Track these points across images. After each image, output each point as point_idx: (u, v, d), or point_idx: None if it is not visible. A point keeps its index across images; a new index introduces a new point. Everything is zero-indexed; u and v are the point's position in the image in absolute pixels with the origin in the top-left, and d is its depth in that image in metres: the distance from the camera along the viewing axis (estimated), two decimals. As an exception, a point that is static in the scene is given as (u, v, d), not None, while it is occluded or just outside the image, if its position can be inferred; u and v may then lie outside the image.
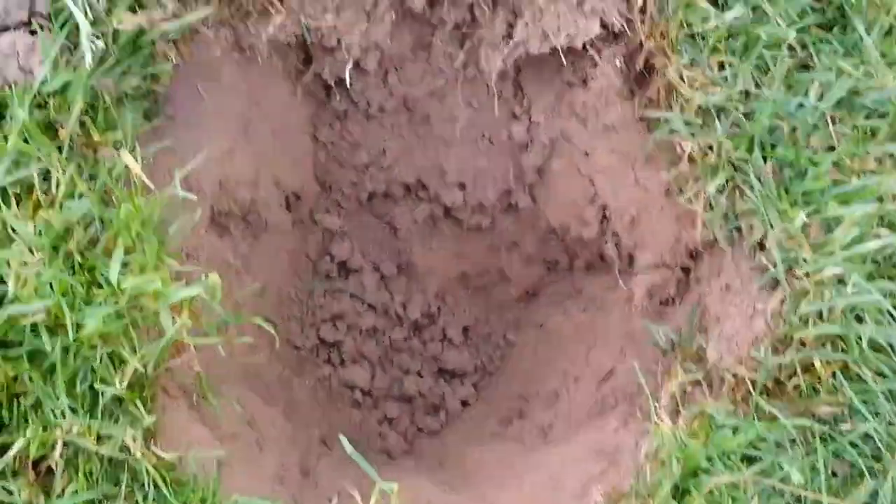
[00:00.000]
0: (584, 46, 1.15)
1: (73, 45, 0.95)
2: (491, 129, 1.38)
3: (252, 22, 1.13)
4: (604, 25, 1.14)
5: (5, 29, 0.94)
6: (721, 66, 1.11)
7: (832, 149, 1.09)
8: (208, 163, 1.11)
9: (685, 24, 1.11)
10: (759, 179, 1.08)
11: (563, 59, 1.18)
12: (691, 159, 1.13)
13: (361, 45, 1.21)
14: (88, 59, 0.87)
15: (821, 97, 1.10)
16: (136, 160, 0.94)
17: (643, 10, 1.14)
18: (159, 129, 1.05)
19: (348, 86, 1.25)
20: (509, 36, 1.19)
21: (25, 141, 0.90)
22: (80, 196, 0.92)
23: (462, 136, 1.40)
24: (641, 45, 1.16)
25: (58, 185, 0.91)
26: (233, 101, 1.21)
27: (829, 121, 1.11)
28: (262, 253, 1.38)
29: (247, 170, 1.28)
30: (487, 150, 1.41)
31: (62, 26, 0.95)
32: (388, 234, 1.56)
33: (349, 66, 1.23)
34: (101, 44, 0.94)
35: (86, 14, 0.91)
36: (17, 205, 0.90)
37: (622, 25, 1.13)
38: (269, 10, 1.14)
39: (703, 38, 1.11)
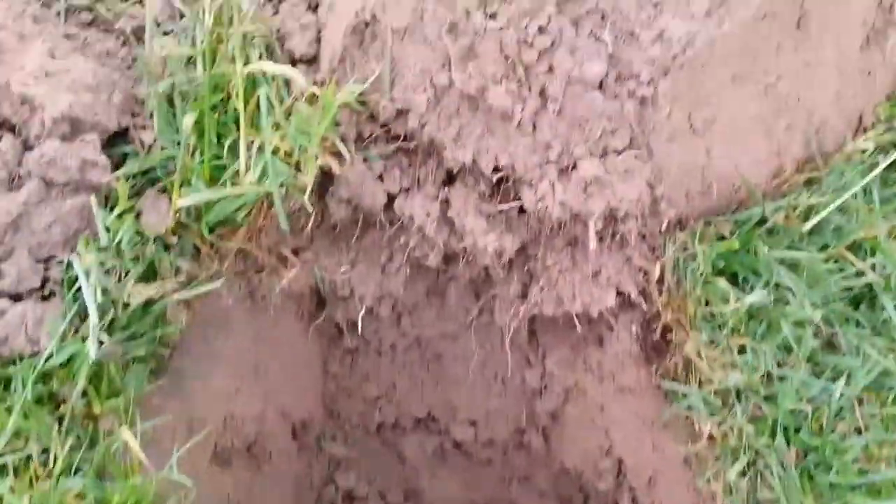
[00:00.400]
0: (599, 313, 1.13)
1: (83, 313, 0.95)
2: (504, 372, 1.36)
3: (266, 274, 1.14)
4: (619, 293, 1.12)
5: (18, 297, 0.94)
6: (742, 350, 1.07)
7: (859, 431, 1.04)
8: (214, 401, 1.10)
9: (704, 302, 1.09)
10: (783, 466, 1.03)
11: (578, 323, 1.15)
12: (710, 437, 1.09)
13: (375, 294, 1.21)
14: (93, 352, 0.87)
15: (847, 380, 1.05)
16: (136, 436, 0.92)
17: (661, 282, 1.12)
18: (164, 385, 1.04)
19: (360, 330, 1.24)
20: (524, 296, 1.18)
21: (26, 416, 0.89)
22: (77, 471, 0.90)
23: (474, 376, 1.37)
24: (659, 314, 1.13)
25: (55, 460, 0.90)
26: (242, 344, 1.21)
27: (856, 403, 1.06)
28: (265, 482, 1.33)
29: (254, 406, 1.26)
30: (500, 391, 1.38)
31: (74, 296, 0.95)
32: (395, 462, 1.51)
33: (362, 312, 1.22)
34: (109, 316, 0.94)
35: (96, 292, 0.91)
36: (15, 476, 0.89)
37: (639, 296, 1.11)
38: (284, 263, 1.15)
39: (723, 318, 1.08)
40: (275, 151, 1.00)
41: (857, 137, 1.22)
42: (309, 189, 1.02)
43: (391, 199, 1.12)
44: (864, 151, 1.21)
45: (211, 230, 1.04)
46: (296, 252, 1.16)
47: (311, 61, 1.10)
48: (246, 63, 1.03)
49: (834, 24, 1.03)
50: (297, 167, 1.04)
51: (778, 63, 1.01)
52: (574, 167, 1.01)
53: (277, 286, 1.14)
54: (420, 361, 1.38)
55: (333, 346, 1.35)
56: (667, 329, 1.15)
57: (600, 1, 0.94)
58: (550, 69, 0.95)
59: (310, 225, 1.14)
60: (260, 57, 1.06)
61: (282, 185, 1.02)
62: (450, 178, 1.10)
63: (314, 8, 1.14)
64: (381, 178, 1.10)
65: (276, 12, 1.15)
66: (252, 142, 1.02)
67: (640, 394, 1.20)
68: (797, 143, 1.13)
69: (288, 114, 1.03)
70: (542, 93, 0.96)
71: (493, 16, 0.93)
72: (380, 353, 1.36)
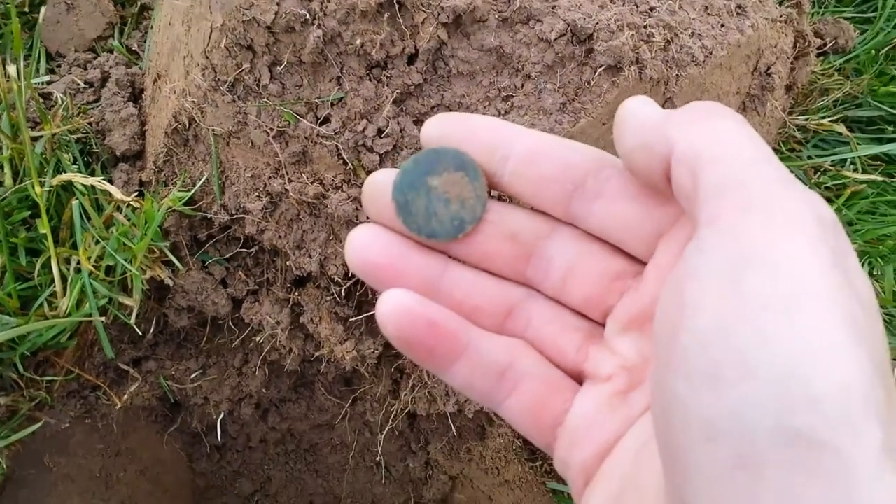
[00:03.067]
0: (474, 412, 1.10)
1: None
2: (386, 458, 1.31)
3: (103, 392, 1.07)
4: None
5: None
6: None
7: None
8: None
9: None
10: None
11: (452, 423, 1.12)
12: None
13: (232, 397, 1.15)
14: None
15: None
16: None
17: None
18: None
19: (218, 436, 1.18)
20: (395, 394, 1.14)
21: None
22: None
23: (355, 463, 1.33)
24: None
25: None
26: (86, 461, 1.14)
27: None
28: None
29: (108, 520, 1.19)
30: (384, 477, 1.34)
31: None
32: (280, 552, 1.46)
33: (220, 418, 1.16)
34: None
35: None
36: None
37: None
38: (124, 377, 1.08)
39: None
40: (95, 269, 0.93)
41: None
42: (135, 312, 0.95)
43: (238, 302, 1.06)
44: (749, 213, 1.19)
45: (33, 354, 0.96)
46: (137, 362, 1.09)
47: (137, 157, 1.02)
48: (57, 171, 0.95)
49: (704, 100, 1.00)
50: (124, 284, 0.97)
51: (644, 148, 0.97)
52: (430, 271, 0.96)
53: (119, 403, 1.07)
54: (295, 453, 1.33)
55: (197, 443, 1.28)
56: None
57: (445, 96, 0.88)
58: (395, 172, 0.89)
59: (151, 333, 1.07)
60: (74, 160, 0.98)
61: (106, 307, 0.95)
62: (301, 280, 1.04)
63: (136, 97, 1.06)
64: (224, 282, 1.04)
65: (96, 99, 1.06)
66: (68, 260, 0.94)
67: (526, 488, 1.17)
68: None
69: (108, 225, 0.96)
70: (388, 197, 0.91)
71: (324, 120, 0.87)
72: (249, 447, 1.31)
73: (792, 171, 1.21)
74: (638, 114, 0.39)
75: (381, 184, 0.46)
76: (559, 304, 0.47)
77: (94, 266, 0.93)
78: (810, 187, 1.21)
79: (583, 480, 0.44)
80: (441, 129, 0.45)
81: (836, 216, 0.34)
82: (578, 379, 0.47)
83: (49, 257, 0.94)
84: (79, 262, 0.94)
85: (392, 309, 0.42)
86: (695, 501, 0.30)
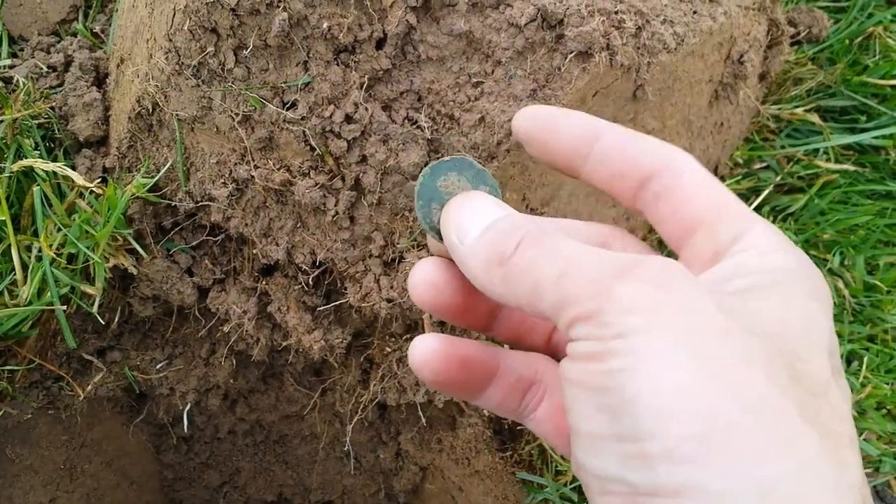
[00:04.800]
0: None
1: None
2: (356, 449, 1.31)
3: (66, 382, 1.06)
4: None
5: None
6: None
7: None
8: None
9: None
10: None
11: (422, 414, 1.12)
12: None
13: (199, 388, 1.14)
14: None
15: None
16: None
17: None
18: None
19: (185, 427, 1.17)
20: (365, 384, 1.13)
21: None
22: None
23: (325, 454, 1.32)
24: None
25: None
26: (50, 453, 1.13)
27: None
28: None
29: (74, 511, 1.18)
30: (354, 468, 1.34)
31: None
32: (250, 544, 1.45)
33: (186, 409, 1.15)
34: None
35: None
36: None
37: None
38: (87, 367, 1.07)
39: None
40: (56, 257, 0.92)
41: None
42: (98, 301, 0.94)
43: (204, 291, 1.05)
44: (722, 202, 1.19)
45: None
46: (101, 352, 1.08)
47: (101, 143, 1.01)
48: (18, 156, 0.94)
49: (676, 88, 1.00)
50: (87, 272, 0.95)
51: (615, 136, 0.97)
52: (400, 260, 0.96)
53: (82, 393, 1.06)
54: (264, 444, 1.33)
55: (164, 434, 1.27)
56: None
57: (414, 82, 0.88)
58: (363, 159, 0.89)
59: (115, 322, 1.06)
60: (36, 146, 0.97)
61: (68, 295, 0.94)
62: (268, 269, 1.04)
63: (100, 82, 1.04)
64: (189, 271, 1.03)
65: (60, 83, 1.04)
66: (29, 247, 0.93)
67: (497, 478, 1.17)
68: (647, 206, 1.11)
69: (70, 212, 0.94)
70: (357, 184, 0.90)
71: (291, 105, 0.86)
72: (217, 438, 1.30)
73: (765, 161, 1.21)
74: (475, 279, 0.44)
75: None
76: None
77: (55, 254, 0.92)
78: (783, 177, 1.22)
79: (597, 485, 0.47)
80: (531, 123, 0.48)
81: (669, 260, 0.38)
82: None
83: (9, 245, 0.92)
84: (40, 250, 0.92)
85: (425, 357, 0.46)
86: None
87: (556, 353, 0.52)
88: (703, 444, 0.31)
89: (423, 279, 0.48)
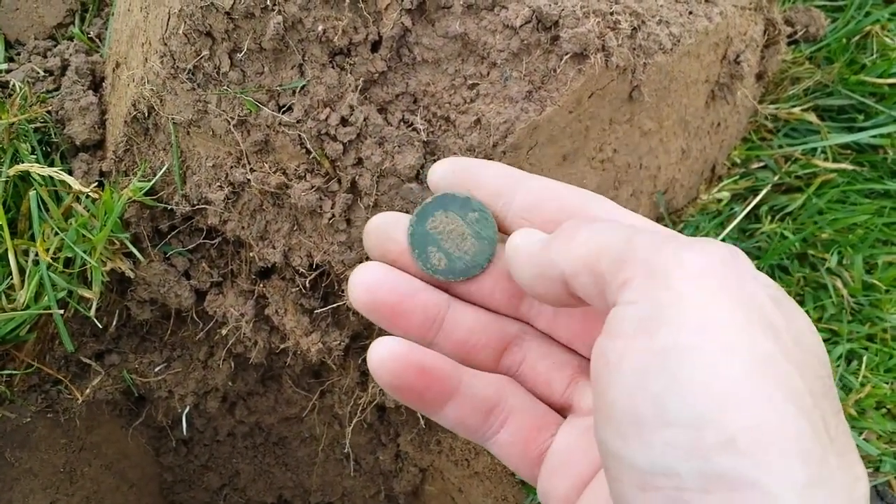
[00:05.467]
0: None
1: None
2: (356, 451, 1.31)
3: (65, 385, 1.06)
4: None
5: None
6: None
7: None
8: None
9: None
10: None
11: (421, 416, 1.12)
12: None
13: (198, 391, 1.14)
14: None
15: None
16: None
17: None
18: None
19: (184, 430, 1.17)
20: (363, 385, 1.13)
21: None
22: None
23: (325, 456, 1.32)
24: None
25: None
26: (50, 456, 1.13)
27: None
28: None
29: (74, 514, 1.19)
30: (354, 470, 1.34)
31: None
32: (250, 546, 1.45)
33: (185, 412, 1.15)
34: None
35: None
36: None
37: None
38: (86, 371, 1.07)
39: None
40: (53, 261, 0.92)
41: (710, 188, 1.21)
42: (95, 305, 0.94)
43: (202, 294, 1.05)
44: (719, 202, 1.20)
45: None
46: (99, 356, 1.08)
47: (97, 147, 1.01)
48: (14, 160, 0.94)
49: (672, 88, 1.00)
50: (84, 276, 0.95)
51: (611, 136, 0.98)
52: (396, 262, 0.95)
53: (80, 397, 1.06)
54: (264, 446, 1.33)
55: (163, 437, 1.27)
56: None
57: (410, 84, 0.88)
58: (359, 162, 0.89)
59: (113, 325, 1.06)
60: (32, 150, 0.97)
61: (66, 300, 0.94)
62: (265, 272, 1.04)
63: (97, 86, 1.04)
64: (187, 274, 1.03)
65: (56, 87, 1.04)
66: (26, 252, 0.93)
67: (496, 480, 1.17)
68: (644, 205, 1.11)
69: (67, 216, 0.94)
70: (354, 187, 0.90)
71: (286, 108, 0.86)
72: (217, 441, 1.30)
73: (762, 160, 1.21)
74: (522, 250, 0.43)
75: (387, 225, 0.50)
76: (551, 340, 0.51)
77: (52, 258, 0.92)
78: (781, 177, 1.22)
79: None
80: (450, 175, 0.49)
81: (733, 248, 0.36)
82: (567, 413, 0.50)
83: (6, 249, 0.92)
84: (37, 254, 0.92)
85: (384, 357, 0.45)
86: None
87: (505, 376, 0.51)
88: (765, 438, 0.29)
89: (363, 281, 0.48)
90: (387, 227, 0.50)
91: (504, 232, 0.49)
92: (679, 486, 0.30)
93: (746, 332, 0.32)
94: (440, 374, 0.46)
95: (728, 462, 0.29)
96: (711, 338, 0.31)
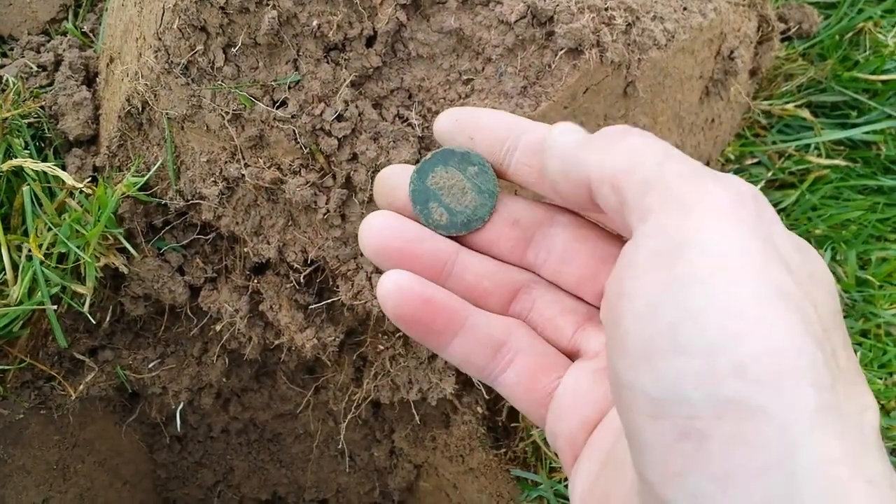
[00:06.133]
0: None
1: None
2: (350, 447, 1.31)
3: (58, 382, 1.05)
4: (460, 377, 1.09)
5: None
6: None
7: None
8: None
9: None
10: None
11: (416, 412, 1.12)
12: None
13: (192, 387, 1.13)
14: None
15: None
16: None
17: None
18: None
19: (178, 426, 1.17)
20: (358, 381, 1.13)
21: None
22: None
23: (319, 453, 1.32)
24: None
25: None
26: (43, 453, 1.12)
27: None
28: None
29: (68, 510, 1.18)
30: (349, 466, 1.34)
31: None
32: (244, 543, 1.45)
33: (179, 408, 1.15)
34: None
35: None
36: None
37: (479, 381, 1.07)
38: (79, 367, 1.07)
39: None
40: (47, 257, 0.92)
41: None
42: (89, 301, 0.93)
43: (196, 290, 1.05)
44: (713, 198, 1.20)
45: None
46: (93, 352, 1.08)
47: (91, 142, 1.01)
48: (7, 155, 0.93)
49: (667, 84, 1.00)
50: (77, 272, 0.95)
51: (606, 132, 0.97)
52: (391, 257, 0.95)
53: (73, 393, 1.06)
54: (258, 442, 1.32)
55: (157, 433, 1.27)
56: (514, 411, 1.13)
57: (404, 79, 0.88)
58: (354, 157, 0.89)
59: (106, 321, 1.05)
60: (26, 145, 0.96)
61: (59, 295, 0.94)
62: (260, 267, 1.03)
63: (90, 81, 1.04)
64: (181, 269, 1.03)
65: (49, 82, 1.04)
66: (19, 247, 0.92)
67: (491, 476, 1.17)
68: (639, 202, 1.11)
69: (60, 211, 0.94)
70: (349, 182, 0.90)
71: (281, 103, 0.86)
72: (211, 437, 1.30)
73: (756, 157, 1.22)
74: (557, 143, 0.43)
75: (394, 177, 0.50)
76: (558, 288, 0.51)
77: (45, 253, 0.92)
78: (774, 173, 1.23)
79: (570, 452, 0.47)
80: (452, 124, 0.49)
81: (757, 189, 0.36)
82: (574, 358, 0.50)
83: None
84: (30, 250, 0.92)
85: (391, 288, 0.46)
86: (649, 472, 0.32)
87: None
88: (776, 365, 0.30)
89: (372, 226, 0.48)
90: (394, 179, 0.50)
91: (508, 180, 0.49)
92: (690, 414, 0.30)
93: (761, 263, 0.32)
94: (447, 306, 0.47)
95: (739, 388, 0.29)
96: (725, 267, 0.32)
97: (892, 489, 0.30)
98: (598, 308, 0.50)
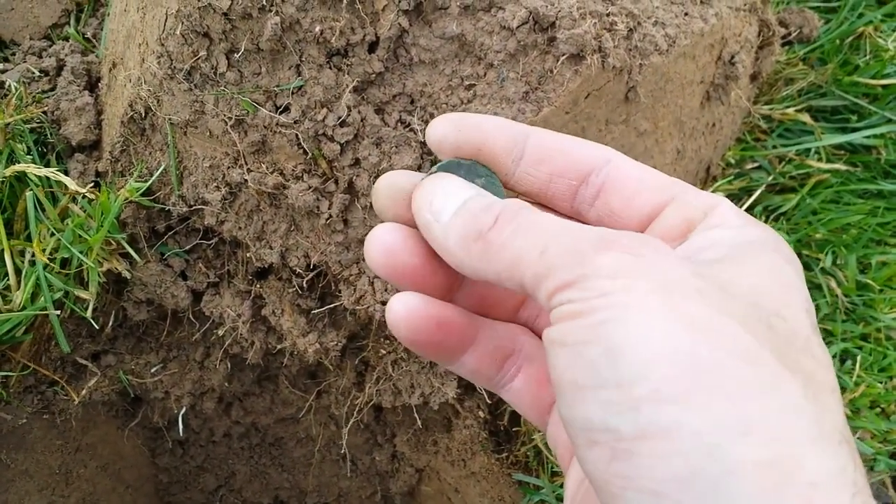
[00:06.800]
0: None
1: None
2: (352, 452, 1.31)
3: (61, 386, 1.05)
4: (461, 382, 1.09)
5: None
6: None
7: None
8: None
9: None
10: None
11: (418, 416, 1.12)
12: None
13: (194, 391, 1.13)
14: None
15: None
16: None
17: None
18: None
19: (180, 431, 1.17)
20: (360, 385, 1.13)
21: None
22: None
23: (321, 457, 1.32)
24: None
25: None
26: (45, 457, 1.12)
27: None
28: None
29: (69, 517, 1.18)
30: (351, 471, 1.34)
31: None
32: (246, 546, 1.45)
33: (181, 412, 1.15)
34: None
35: None
36: None
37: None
38: (82, 371, 1.07)
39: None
40: (50, 262, 0.92)
41: (705, 189, 1.21)
42: (92, 306, 0.93)
43: (198, 295, 1.05)
44: (714, 203, 1.20)
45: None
46: (95, 357, 1.08)
47: (93, 147, 1.01)
48: (10, 161, 0.94)
49: (668, 89, 1.00)
50: (80, 277, 0.95)
51: (608, 137, 0.98)
52: (394, 262, 0.95)
53: (77, 398, 1.06)
54: (260, 447, 1.32)
55: (159, 438, 1.27)
56: (515, 415, 1.13)
57: (407, 85, 0.88)
58: (357, 162, 0.89)
59: (109, 326, 1.05)
60: (28, 150, 0.96)
61: (62, 300, 0.94)
62: (262, 272, 1.04)
63: (93, 86, 1.04)
64: (183, 274, 1.03)
65: (52, 87, 1.04)
66: (22, 252, 0.93)
67: (493, 480, 1.17)
68: (640, 207, 1.11)
69: (63, 216, 0.94)
70: (351, 187, 0.90)
71: (284, 109, 0.86)
72: (213, 442, 1.30)
73: (756, 161, 1.22)
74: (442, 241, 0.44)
75: (395, 184, 0.48)
76: None
77: (48, 258, 0.92)
78: (775, 177, 1.23)
79: (568, 457, 0.48)
80: (455, 134, 0.47)
81: (646, 237, 0.39)
82: None
83: (2, 250, 0.92)
84: (33, 255, 0.92)
85: (402, 313, 0.45)
86: (602, 497, 0.35)
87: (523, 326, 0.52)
88: (686, 384, 0.32)
89: (379, 242, 0.47)
90: (400, 187, 0.48)
91: (511, 189, 0.49)
92: (618, 438, 0.33)
93: (666, 301, 0.34)
94: (458, 326, 0.47)
95: (656, 410, 0.32)
96: (636, 310, 0.34)
97: (844, 475, 0.31)
98: None
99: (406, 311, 0.45)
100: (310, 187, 0.89)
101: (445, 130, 0.47)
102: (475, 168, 0.48)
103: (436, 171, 0.48)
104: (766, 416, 0.32)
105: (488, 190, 0.48)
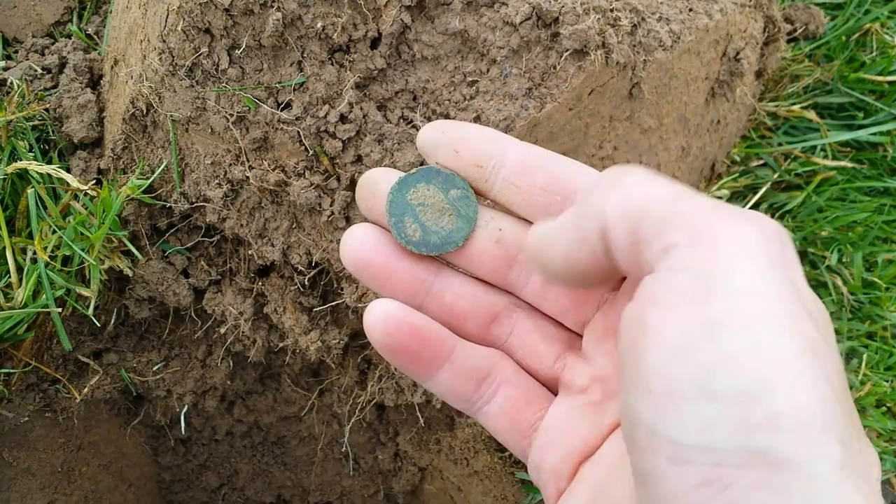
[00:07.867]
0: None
1: None
2: (355, 450, 1.31)
3: (63, 385, 1.05)
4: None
5: None
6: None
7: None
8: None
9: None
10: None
11: (420, 415, 1.11)
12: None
13: (196, 389, 1.13)
14: None
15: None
16: None
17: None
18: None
19: (182, 429, 1.17)
20: (362, 384, 1.13)
21: None
22: None
23: (324, 455, 1.32)
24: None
25: None
26: (47, 455, 1.12)
27: None
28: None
29: (72, 513, 1.18)
30: (353, 469, 1.33)
31: None
32: (249, 546, 1.45)
33: (184, 411, 1.15)
34: None
35: None
36: None
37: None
38: (84, 369, 1.07)
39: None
40: (51, 259, 0.92)
41: (710, 186, 1.21)
42: (93, 303, 0.93)
43: (200, 292, 1.05)
44: (718, 199, 1.20)
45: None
46: (97, 354, 1.08)
47: (95, 144, 1.01)
48: (12, 158, 0.94)
49: (672, 85, 1.00)
50: (82, 274, 0.95)
51: (611, 133, 0.97)
52: (396, 259, 0.95)
53: (78, 396, 1.06)
54: (262, 445, 1.32)
55: (161, 436, 1.27)
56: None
57: (409, 81, 0.88)
58: (359, 159, 0.88)
59: (111, 324, 1.05)
60: (30, 148, 0.96)
61: (64, 298, 0.94)
62: (264, 270, 1.03)
63: (95, 83, 1.04)
64: (185, 272, 1.03)
65: (54, 85, 1.04)
66: (24, 249, 0.92)
67: (496, 479, 1.17)
68: (645, 204, 1.11)
69: (65, 214, 0.94)
70: (353, 184, 0.90)
71: (285, 105, 0.86)
72: (215, 440, 1.30)
73: (762, 158, 1.21)
74: (549, 227, 0.42)
75: (375, 183, 0.49)
76: (540, 314, 0.50)
77: (50, 256, 0.92)
78: (780, 175, 1.22)
79: (554, 486, 0.45)
80: (437, 136, 0.48)
81: (779, 225, 0.35)
82: (555, 387, 0.50)
83: (3, 247, 0.92)
84: (35, 252, 0.92)
85: (380, 318, 0.45)
86: None
87: (493, 347, 0.51)
88: (808, 418, 0.29)
89: (354, 238, 0.47)
90: (375, 185, 0.49)
91: (490, 199, 0.48)
92: (718, 462, 0.29)
93: (794, 312, 0.31)
94: (434, 337, 0.46)
95: (772, 439, 0.29)
96: (762, 315, 0.31)
97: None
98: (580, 336, 0.50)
99: (385, 315, 0.45)
100: (311, 184, 0.89)
101: (431, 136, 0.48)
102: (453, 179, 0.48)
103: (413, 174, 0.48)
104: (855, 464, 0.30)
105: (461, 202, 0.48)
